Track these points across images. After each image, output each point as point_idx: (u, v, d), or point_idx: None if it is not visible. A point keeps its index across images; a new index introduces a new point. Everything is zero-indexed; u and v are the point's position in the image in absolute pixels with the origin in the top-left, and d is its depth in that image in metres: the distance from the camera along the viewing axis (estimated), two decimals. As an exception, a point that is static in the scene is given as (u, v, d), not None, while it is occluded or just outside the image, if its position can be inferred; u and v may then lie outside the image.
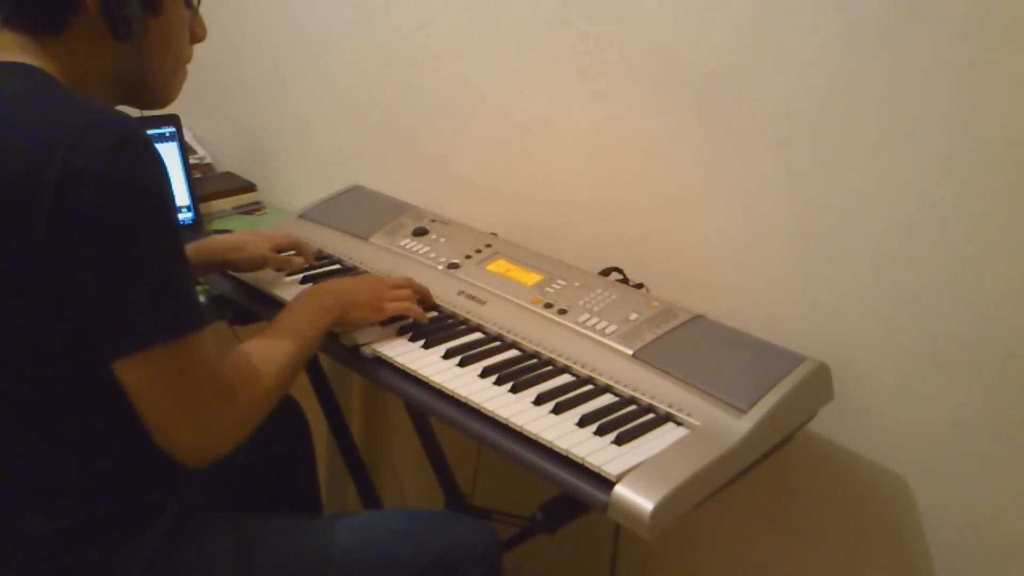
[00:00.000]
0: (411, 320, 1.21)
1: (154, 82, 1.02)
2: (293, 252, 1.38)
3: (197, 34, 1.06)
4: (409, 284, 1.24)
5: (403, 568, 1.10)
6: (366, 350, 1.15)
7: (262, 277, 1.35)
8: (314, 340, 1.09)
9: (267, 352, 1.02)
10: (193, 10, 1.05)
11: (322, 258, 1.43)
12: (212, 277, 1.39)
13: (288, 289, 1.31)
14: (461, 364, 1.12)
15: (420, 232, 1.43)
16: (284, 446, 1.41)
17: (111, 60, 0.97)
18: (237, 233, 1.38)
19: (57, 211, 0.83)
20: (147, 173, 0.87)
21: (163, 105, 1.06)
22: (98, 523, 0.95)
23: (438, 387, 1.08)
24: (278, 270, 1.35)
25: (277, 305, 1.29)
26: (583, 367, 1.11)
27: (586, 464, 0.93)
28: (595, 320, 1.17)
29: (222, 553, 1.04)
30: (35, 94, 0.90)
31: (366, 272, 1.37)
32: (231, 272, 1.36)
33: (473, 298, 1.27)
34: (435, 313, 1.26)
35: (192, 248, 1.31)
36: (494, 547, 1.16)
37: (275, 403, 1.01)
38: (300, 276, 1.35)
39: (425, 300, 1.26)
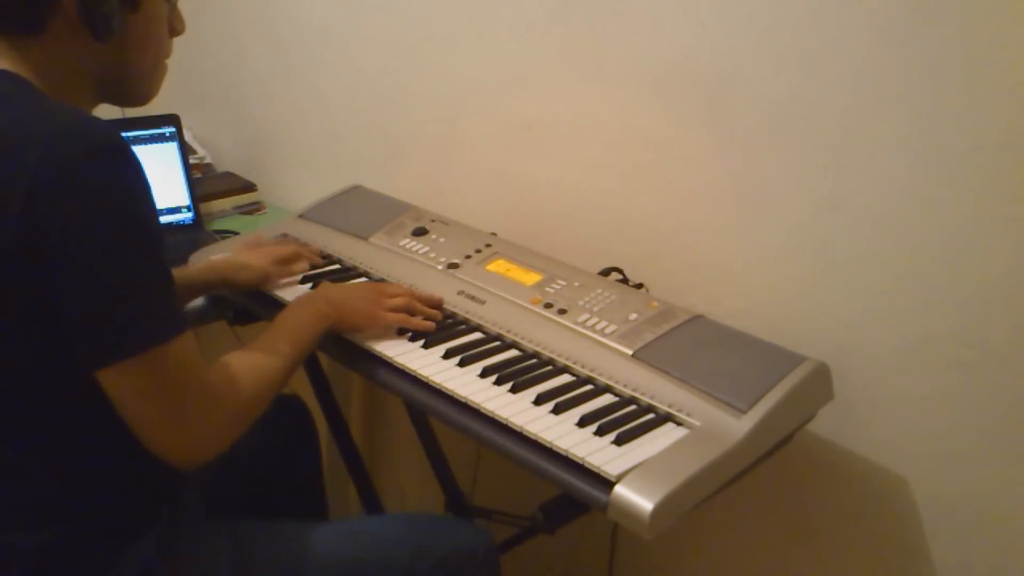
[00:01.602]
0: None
1: (135, 79, 1.01)
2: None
3: (176, 28, 1.04)
4: (407, 292, 1.24)
5: (402, 574, 1.10)
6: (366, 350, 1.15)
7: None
8: (308, 345, 1.10)
9: (260, 356, 1.02)
10: (171, 4, 1.03)
11: (323, 257, 1.43)
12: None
13: (288, 290, 1.32)
14: (461, 364, 1.12)
15: (420, 232, 1.43)
16: (290, 449, 1.41)
17: (90, 59, 0.95)
18: (236, 253, 1.36)
19: (28, 219, 0.81)
20: (121, 180, 0.85)
21: (144, 102, 1.05)
22: (91, 535, 0.94)
23: (438, 387, 1.08)
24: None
25: (277, 305, 1.29)
26: (583, 367, 1.11)
27: (586, 464, 0.93)
28: (595, 320, 1.17)
29: (218, 561, 1.03)
30: (6, 100, 0.88)
31: (366, 271, 1.37)
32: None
33: (473, 298, 1.27)
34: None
35: (194, 273, 1.31)
36: (493, 553, 1.16)
37: (266, 405, 1.00)
38: (300, 275, 1.35)
39: (431, 302, 1.25)
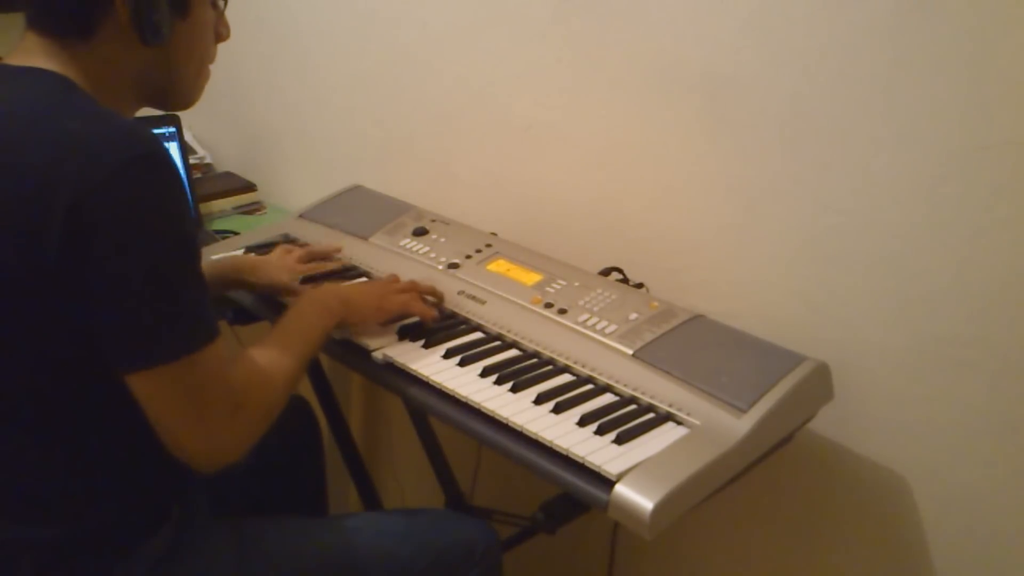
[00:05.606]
0: (412, 320, 1.20)
1: (180, 84, 1.02)
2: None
3: (221, 34, 1.06)
4: (413, 286, 1.24)
5: (403, 568, 1.10)
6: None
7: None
8: (318, 343, 1.09)
9: (275, 357, 1.01)
10: (219, 11, 1.05)
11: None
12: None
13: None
14: (461, 364, 1.12)
15: (420, 232, 1.43)
16: (296, 448, 1.41)
17: (138, 64, 0.96)
18: (263, 257, 1.35)
19: (71, 226, 0.82)
20: (165, 190, 0.87)
21: (187, 107, 1.06)
22: (102, 531, 0.95)
23: (438, 387, 1.08)
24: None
25: (277, 305, 1.29)
26: (583, 367, 1.11)
27: (586, 463, 0.93)
28: (595, 320, 1.17)
29: (224, 557, 1.04)
30: (53, 103, 0.89)
31: (367, 271, 1.37)
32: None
33: (473, 298, 1.27)
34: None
35: (211, 265, 1.29)
36: (494, 547, 1.16)
37: (284, 405, 1.01)
38: (300, 277, 1.35)
39: (434, 296, 1.25)
